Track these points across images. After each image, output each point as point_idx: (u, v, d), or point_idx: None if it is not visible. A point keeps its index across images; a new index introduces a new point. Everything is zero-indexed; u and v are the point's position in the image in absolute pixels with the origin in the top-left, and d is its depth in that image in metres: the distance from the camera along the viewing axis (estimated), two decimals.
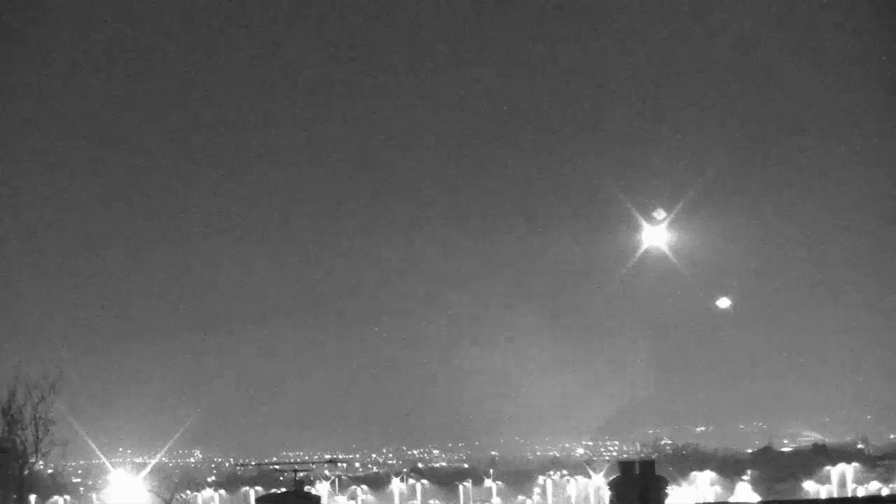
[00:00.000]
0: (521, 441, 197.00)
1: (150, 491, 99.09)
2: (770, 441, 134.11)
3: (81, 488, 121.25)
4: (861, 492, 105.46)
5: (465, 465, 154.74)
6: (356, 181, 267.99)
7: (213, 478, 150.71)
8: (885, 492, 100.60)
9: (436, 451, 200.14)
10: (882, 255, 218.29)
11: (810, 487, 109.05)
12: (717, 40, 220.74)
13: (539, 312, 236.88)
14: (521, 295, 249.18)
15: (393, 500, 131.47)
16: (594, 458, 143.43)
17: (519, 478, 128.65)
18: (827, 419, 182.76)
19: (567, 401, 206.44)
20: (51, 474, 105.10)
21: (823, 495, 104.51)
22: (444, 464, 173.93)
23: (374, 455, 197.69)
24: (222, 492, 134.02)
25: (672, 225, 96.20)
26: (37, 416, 73.10)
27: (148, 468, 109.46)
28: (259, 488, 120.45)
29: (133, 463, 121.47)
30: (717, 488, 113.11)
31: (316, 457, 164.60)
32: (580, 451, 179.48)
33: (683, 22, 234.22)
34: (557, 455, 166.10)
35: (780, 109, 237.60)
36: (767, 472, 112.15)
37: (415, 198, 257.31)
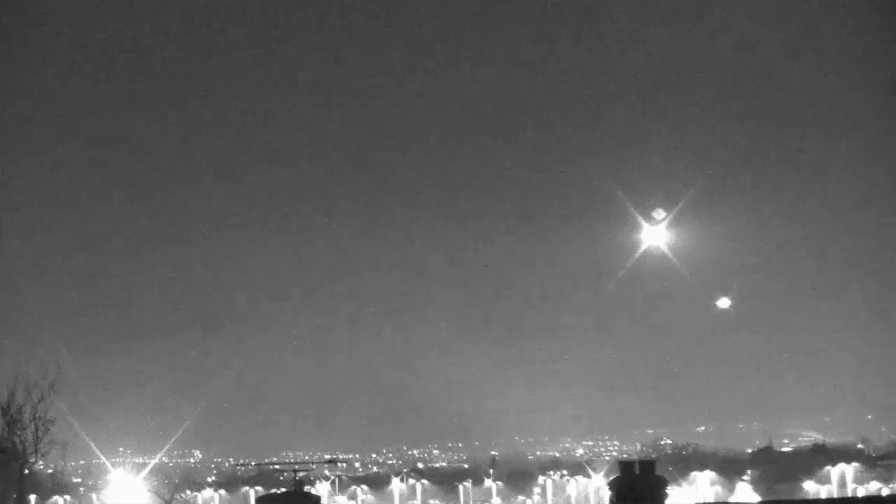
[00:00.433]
0: (521, 441, 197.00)
1: (150, 491, 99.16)
2: (770, 441, 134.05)
3: (81, 488, 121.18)
4: (861, 492, 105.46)
5: (465, 465, 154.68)
6: (356, 181, 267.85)
7: (213, 478, 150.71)
8: (885, 492, 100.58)
9: (436, 451, 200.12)
10: (882, 255, 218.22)
11: (810, 487, 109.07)
12: (717, 40, 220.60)
13: (538, 312, 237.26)
14: (520, 295, 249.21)
15: (393, 500, 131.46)
16: (594, 458, 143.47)
17: (519, 478, 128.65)
18: (827, 419, 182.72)
19: (567, 401, 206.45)
20: (51, 474, 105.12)
21: (823, 495, 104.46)
22: (444, 464, 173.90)
23: (374, 455, 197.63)
24: (222, 492, 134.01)
25: (672, 225, 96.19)
26: (36, 415, 73.19)
27: (148, 468, 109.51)
28: (259, 488, 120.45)
29: (133, 463, 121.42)
30: (717, 488, 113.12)
31: (316, 457, 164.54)
32: (580, 451, 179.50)
33: (683, 22, 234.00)
34: (557, 455, 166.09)
35: (780, 109, 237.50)
36: (767, 472, 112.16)
37: (415, 198, 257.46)
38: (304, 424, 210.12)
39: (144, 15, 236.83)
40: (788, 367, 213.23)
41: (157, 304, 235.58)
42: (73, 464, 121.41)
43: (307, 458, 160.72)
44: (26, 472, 76.06)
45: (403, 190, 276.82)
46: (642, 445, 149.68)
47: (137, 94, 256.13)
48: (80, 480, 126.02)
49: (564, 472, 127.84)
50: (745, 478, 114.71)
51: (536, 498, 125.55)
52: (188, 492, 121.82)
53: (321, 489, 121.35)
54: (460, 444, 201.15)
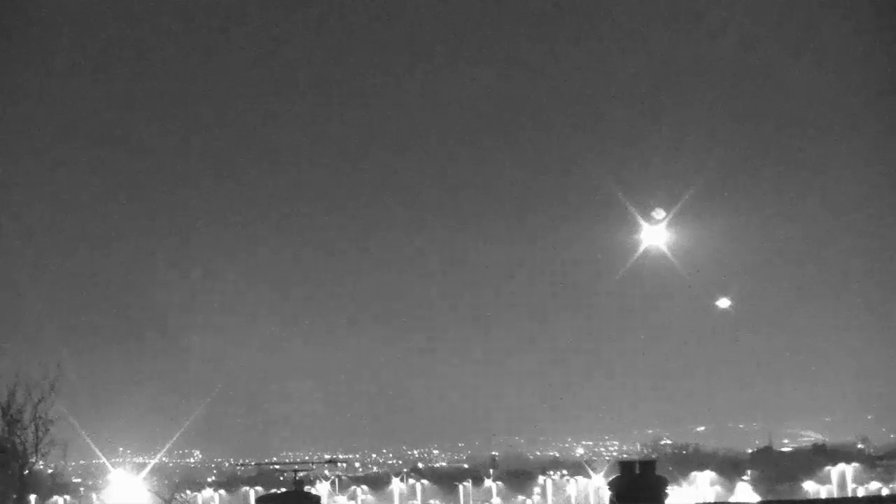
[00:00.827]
0: (521, 441, 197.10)
1: (150, 491, 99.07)
2: (770, 441, 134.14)
3: (81, 488, 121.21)
4: (861, 492, 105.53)
5: (465, 465, 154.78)
6: (356, 181, 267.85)
7: (213, 478, 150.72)
8: (885, 492, 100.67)
9: (436, 451, 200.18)
10: (882, 255, 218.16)
11: (810, 487, 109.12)
12: (717, 40, 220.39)
13: (538, 312, 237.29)
14: (519, 295, 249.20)
15: (393, 500, 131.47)
16: (594, 458, 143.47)
17: (519, 478, 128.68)
18: (827, 419, 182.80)
19: (567, 401, 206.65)
20: (51, 474, 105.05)
21: (823, 495, 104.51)
22: (444, 464, 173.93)
23: (374, 455, 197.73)
24: (222, 492, 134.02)
25: (671, 225, 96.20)
26: (37, 416, 73.02)
27: (148, 468, 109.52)
28: (259, 488, 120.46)
29: (133, 463, 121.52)
30: (717, 488, 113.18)
31: (316, 457, 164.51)
32: (580, 451, 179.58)
33: (683, 22, 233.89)
34: (557, 455, 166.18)
35: (780, 109, 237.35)
36: (767, 472, 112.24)
37: (415, 198, 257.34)
38: (304, 424, 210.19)
39: (144, 15, 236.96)
40: (788, 366, 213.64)
41: (156, 304, 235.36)
42: (73, 464, 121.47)
43: (307, 458, 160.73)
44: (26, 472, 76.02)
45: (403, 190, 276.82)
46: (642, 445, 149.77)
47: (137, 94, 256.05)
48: (80, 480, 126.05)
49: (564, 472, 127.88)
50: (745, 478, 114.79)
51: (536, 498, 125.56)
52: (188, 492, 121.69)
53: (321, 489, 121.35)
54: (460, 444, 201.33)
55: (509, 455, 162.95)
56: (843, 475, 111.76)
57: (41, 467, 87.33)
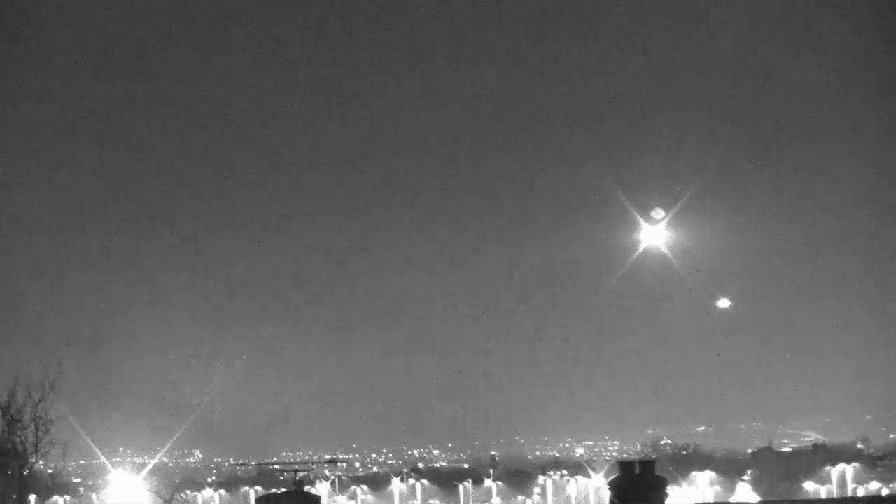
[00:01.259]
0: (521, 441, 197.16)
1: (150, 491, 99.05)
2: (770, 441, 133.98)
3: (81, 488, 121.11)
4: (861, 492, 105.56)
5: (465, 465, 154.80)
6: (356, 181, 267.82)
7: (213, 478, 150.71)
8: (885, 492, 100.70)
9: (436, 451, 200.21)
10: (882, 255, 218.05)
11: (810, 487, 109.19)
12: (717, 40, 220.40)
13: (537, 312, 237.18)
14: (518, 295, 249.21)
15: (393, 500, 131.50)
16: (594, 458, 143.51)
17: (519, 478, 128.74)
18: (827, 419, 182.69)
19: (567, 401, 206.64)
20: (51, 474, 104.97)
21: (823, 495, 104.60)
22: (444, 464, 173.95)
23: (374, 455, 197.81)
24: (222, 492, 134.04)
25: (671, 224, 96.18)
26: (36, 416, 73.07)
27: (148, 468, 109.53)
28: (259, 488, 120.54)
29: (133, 463, 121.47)
30: (717, 488, 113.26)
31: (316, 457, 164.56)
32: (580, 451, 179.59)
33: (683, 22, 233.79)
34: (557, 455, 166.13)
35: (780, 109, 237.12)
36: (767, 472, 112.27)
37: (415, 198, 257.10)
38: (304, 424, 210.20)
39: (144, 15, 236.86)
40: (788, 367, 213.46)
41: (156, 303, 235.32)
42: (73, 464, 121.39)
43: (307, 458, 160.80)
44: (26, 472, 76.02)
45: (403, 190, 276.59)
46: (642, 445, 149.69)
47: (137, 94, 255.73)
48: (80, 480, 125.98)
49: (564, 472, 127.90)
50: (745, 478, 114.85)
51: (536, 498, 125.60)
52: (188, 492, 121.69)
53: (321, 489, 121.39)
54: (460, 444, 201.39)
55: (509, 455, 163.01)
56: (842, 475, 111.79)
57: (41, 467, 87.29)
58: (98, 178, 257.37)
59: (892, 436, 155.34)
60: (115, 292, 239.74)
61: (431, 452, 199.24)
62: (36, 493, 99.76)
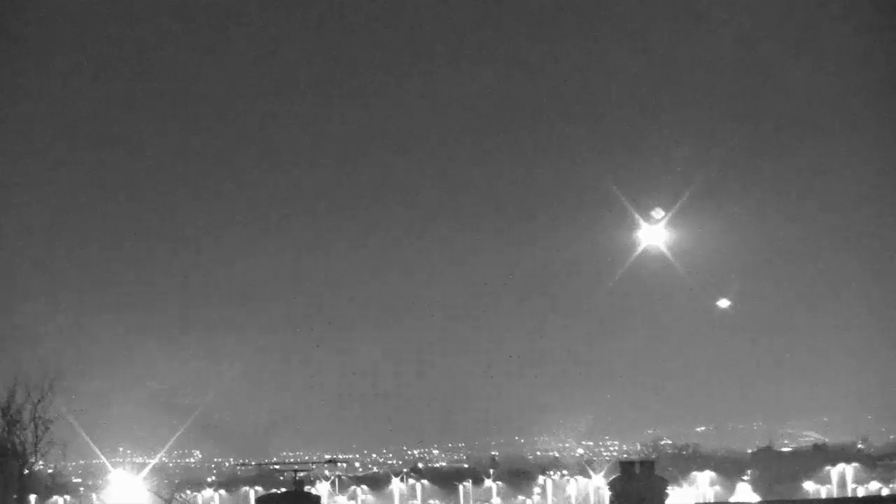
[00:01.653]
0: (521, 441, 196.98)
1: (150, 491, 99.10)
2: (770, 441, 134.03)
3: (81, 488, 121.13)
4: (861, 492, 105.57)
5: (465, 465, 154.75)
6: (356, 181, 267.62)
7: (213, 478, 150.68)
8: (885, 492, 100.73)
9: (436, 451, 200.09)
10: (882, 255, 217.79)
11: (810, 487, 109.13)
12: (717, 40, 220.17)
13: (537, 312, 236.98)
14: (518, 295, 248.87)
15: (393, 500, 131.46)
16: (594, 458, 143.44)
17: (519, 478, 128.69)
18: (827, 419, 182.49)
19: (567, 401, 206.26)
20: (51, 474, 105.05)
21: (823, 495, 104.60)
22: (444, 464, 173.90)
23: (374, 455, 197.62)
24: (222, 492, 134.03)
25: (670, 224, 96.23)
26: (36, 416, 73.19)
27: (148, 468, 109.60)
28: (259, 488, 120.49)
29: (133, 463, 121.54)
30: (717, 488, 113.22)
31: (316, 457, 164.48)
32: (580, 451, 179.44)
33: (683, 22, 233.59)
34: (557, 455, 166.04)
35: (780, 109, 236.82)
36: (767, 472, 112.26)
37: (415, 198, 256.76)
38: (304, 424, 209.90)
39: (144, 15, 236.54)
40: (788, 367, 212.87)
41: (156, 304, 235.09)
42: (73, 464, 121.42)
43: (307, 458, 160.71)
44: (26, 472, 76.02)
45: (403, 190, 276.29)
46: (642, 445, 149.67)
47: (137, 94, 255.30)
48: (80, 480, 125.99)
49: (564, 472, 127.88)
50: (745, 478, 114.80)
51: (536, 498, 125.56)
52: (188, 492, 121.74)
53: (321, 489, 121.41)
54: (460, 444, 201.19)
55: (509, 455, 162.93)
56: (843, 475, 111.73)
57: (41, 467, 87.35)
58: (98, 178, 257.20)
59: (892, 436, 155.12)
60: (115, 292, 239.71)
61: (431, 452, 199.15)
62: (36, 493, 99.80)
